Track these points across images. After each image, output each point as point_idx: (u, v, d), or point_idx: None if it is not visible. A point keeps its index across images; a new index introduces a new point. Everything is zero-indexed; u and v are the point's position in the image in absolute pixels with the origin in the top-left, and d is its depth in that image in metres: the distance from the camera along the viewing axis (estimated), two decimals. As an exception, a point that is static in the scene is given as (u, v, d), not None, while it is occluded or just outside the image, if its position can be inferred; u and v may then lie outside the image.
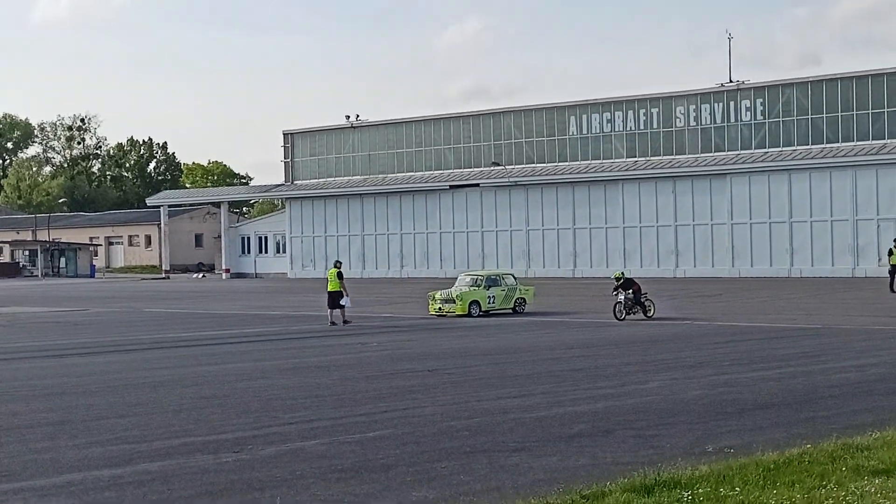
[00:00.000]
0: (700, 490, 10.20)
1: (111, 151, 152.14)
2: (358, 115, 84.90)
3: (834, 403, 16.24)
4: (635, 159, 70.74)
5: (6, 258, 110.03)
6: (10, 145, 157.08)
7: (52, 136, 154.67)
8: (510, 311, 38.54)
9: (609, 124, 72.40)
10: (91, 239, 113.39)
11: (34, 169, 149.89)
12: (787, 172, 64.56)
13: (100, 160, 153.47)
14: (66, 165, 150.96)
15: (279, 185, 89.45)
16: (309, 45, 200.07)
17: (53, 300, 56.28)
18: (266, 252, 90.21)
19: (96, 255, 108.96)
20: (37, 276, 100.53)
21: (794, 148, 65.47)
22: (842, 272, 62.02)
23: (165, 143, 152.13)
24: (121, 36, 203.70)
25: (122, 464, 12.57)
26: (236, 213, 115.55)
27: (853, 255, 62.38)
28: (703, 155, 68.54)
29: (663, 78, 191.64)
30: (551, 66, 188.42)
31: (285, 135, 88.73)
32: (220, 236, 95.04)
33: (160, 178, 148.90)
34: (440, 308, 37.82)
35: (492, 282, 38.79)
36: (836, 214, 63.02)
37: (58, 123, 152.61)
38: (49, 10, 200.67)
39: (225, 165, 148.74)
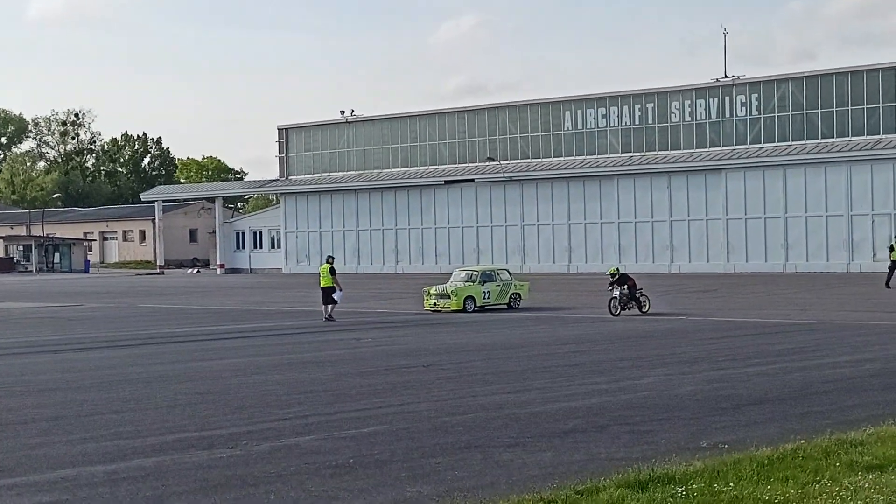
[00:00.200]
0: (694, 485, 10.20)
1: (105, 146, 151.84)
2: (353, 111, 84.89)
3: (828, 399, 16.26)
4: (630, 154, 70.76)
5: (0, 253, 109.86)
6: (3, 140, 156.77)
7: (46, 132, 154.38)
8: (505, 306, 38.56)
9: (604, 119, 72.40)
10: (85, 234, 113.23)
11: (28, 164, 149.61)
12: (782, 168, 64.62)
13: (94, 155, 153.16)
14: (60, 160, 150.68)
15: (274, 181, 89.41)
16: (304, 41, 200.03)
17: (48, 295, 56.20)
18: (261, 247, 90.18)
19: (90, 251, 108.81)
20: (31, 271, 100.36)
21: (789, 143, 65.53)
22: (837, 267, 62.11)
23: (160, 138, 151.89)
24: (115, 31, 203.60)
25: (116, 459, 12.56)
26: (231, 208, 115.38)
27: (848, 250, 62.45)
28: (698, 150, 68.58)
29: (659, 73, 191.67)
30: (547, 61, 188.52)
31: (280, 130, 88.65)
32: (214, 231, 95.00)
33: (154, 173, 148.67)
34: (435, 303, 37.82)
35: (487, 277, 38.81)
36: (830, 210, 63.08)
37: (52, 118, 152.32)
38: (44, 5, 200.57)
39: (219, 161, 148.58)
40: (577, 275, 67.95)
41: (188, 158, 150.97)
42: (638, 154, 70.52)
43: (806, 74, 65.99)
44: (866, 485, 10.15)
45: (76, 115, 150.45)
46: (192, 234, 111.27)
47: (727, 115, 68.09)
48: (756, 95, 67.10)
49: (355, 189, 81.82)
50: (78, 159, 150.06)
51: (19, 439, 14.01)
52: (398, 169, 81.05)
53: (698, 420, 14.52)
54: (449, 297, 37.54)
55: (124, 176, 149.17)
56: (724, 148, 67.66)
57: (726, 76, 69.04)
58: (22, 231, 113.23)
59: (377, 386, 18.50)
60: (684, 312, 34.93)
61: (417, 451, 12.71)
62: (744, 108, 67.45)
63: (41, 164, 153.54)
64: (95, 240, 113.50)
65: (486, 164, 76.31)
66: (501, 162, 75.60)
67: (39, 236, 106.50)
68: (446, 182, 77.09)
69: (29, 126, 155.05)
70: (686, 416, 14.88)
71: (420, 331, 30.57)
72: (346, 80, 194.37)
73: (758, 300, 40.82)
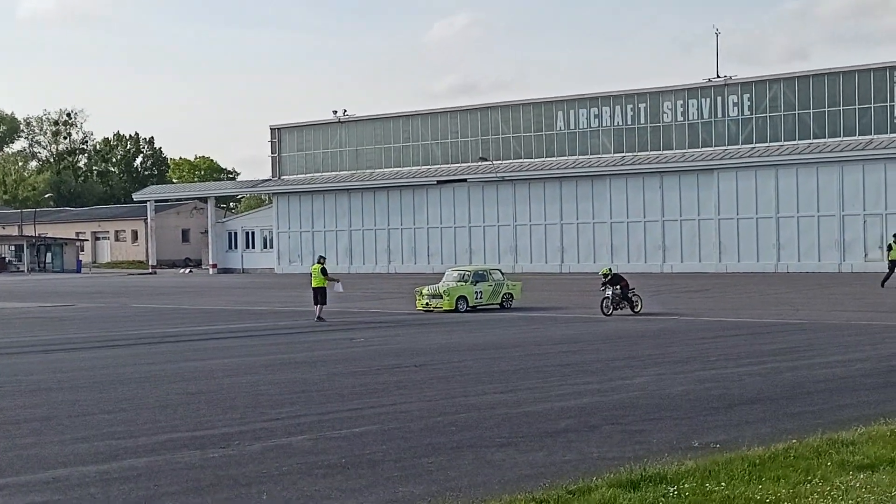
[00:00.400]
0: (686, 485, 10.22)
1: (97, 146, 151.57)
2: (346, 110, 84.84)
3: (820, 398, 16.29)
4: (622, 154, 70.81)
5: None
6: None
7: (38, 131, 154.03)
8: (497, 306, 38.57)
9: (596, 119, 72.45)
10: (77, 234, 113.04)
11: (20, 164, 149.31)
12: (773, 168, 64.70)
13: (86, 155, 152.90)
14: (52, 160, 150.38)
15: (266, 181, 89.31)
16: (296, 40, 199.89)
17: (39, 295, 56.11)
18: (253, 247, 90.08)
19: (83, 251, 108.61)
20: (23, 271, 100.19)
21: (781, 143, 65.61)
22: (828, 267, 62.20)
23: (152, 138, 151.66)
24: (107, 31, 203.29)
25: (108, 459, 12.55)
26: (223, 208, 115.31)
27: (840, 250, 62.56)
28: (690, 150, 68.65)
29: (651, 73, 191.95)
30: (539, 61, 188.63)
31: (272, 130, 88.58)
32: (206, 231, 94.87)
33: (147, 173, 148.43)
34: (427, 303, 37.81)
35: (479, 277, 38.81)
36: (822, 210, 63.18)
37: (44, 118, 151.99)
38: (35, 4, 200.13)
39: (212, 160, 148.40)
40: (570, 275, 67.98)
41: (180, 158, 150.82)
42: (630, 154, 70.57)
43: (798, 74, 66.08)
44: (857, 484, 10.18)
45: (68, 114, 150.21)
46: (185, 234, 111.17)
47: (719, 115, 68.17)
48: (748, 95, 67.19)
49: (348, 189, 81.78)
50: (70, 159, 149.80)
51: (10, 439, 13.99)
52: (391, 169, 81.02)
53: (690, 420, 14.54)
54: (441, 297, 37.53)
55: (116, 176, 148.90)
56: (717, 148, 67.73)
57: (718, 76, 69.11)
58: (14, 231, 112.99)
59: (369, 386, 18.49)
60: (676, 312, 34.96)
61: (409, 451, 12.71)
62: (736, 109, 67.54)
63: (33, 163, 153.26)
64: (87, 240, 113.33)
65: (479, 163, 76.32)
66: (494, 162, 75.62)
67: (31, 236, 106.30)
68: (439, 182, 77.07)
69: (21, 126, 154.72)
70: (678, 415, 14.90)
71: (412, 331, 30.56)
72: (338, 79, 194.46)
73: (750, 300, 40.87)
